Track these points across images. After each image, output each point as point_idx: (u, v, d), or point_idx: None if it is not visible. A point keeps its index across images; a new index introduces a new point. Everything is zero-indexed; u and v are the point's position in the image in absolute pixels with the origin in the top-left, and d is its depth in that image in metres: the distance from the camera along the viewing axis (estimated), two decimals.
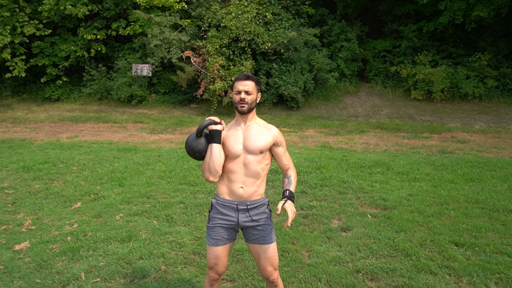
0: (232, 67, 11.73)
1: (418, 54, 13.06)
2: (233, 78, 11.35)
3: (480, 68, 12.34)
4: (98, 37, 13.28)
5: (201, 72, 11.96)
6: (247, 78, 2.22)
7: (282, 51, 12.17)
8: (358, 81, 14.12)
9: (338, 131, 10.11)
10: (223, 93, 11.63)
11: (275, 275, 2.30)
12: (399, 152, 7.79)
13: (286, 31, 12.18)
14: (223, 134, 2.26)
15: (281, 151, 2.35)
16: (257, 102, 2.29)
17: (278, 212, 2.15)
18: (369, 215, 4.32)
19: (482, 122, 10.82)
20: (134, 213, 4.38)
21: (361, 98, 13.19)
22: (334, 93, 13.26)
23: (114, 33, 13.39)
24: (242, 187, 2.22)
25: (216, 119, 2.19)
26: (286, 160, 2.38)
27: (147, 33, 12.39)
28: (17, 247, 3.57)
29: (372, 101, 12.85)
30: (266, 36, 11.89)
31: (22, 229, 4.02)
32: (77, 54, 13.28)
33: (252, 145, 2.22)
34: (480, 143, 8.75)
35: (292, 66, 12.45)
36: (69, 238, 3.75)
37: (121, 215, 4.34)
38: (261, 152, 2.24)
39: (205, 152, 2.18)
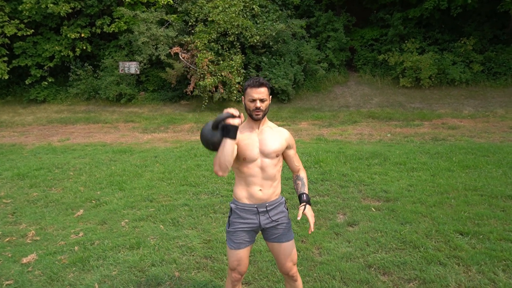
0: (221, 62, 11.63)
1: (405, 41, 13.16)
2: (223, 73, 11.27)
3: (466, 53, 12.52)
4: (83, 35, 12.98)
5: (190, 68, 11.83)
6: (261, 85, 2.19)
7: (271, 43, 12.11)
8: (347, 71, 14.18)
9: (331, 123, 10.17)
10: (214, 89, 11.55)
11: (294, 270, 2.38)
12: (394, 142, 7.90)
13: (274, 23, 12.11)
14: (238, 137, 2.23)
15: (293, 153, 2.41)
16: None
17: (299, 218, 2.21)
18: (373, 208, 4.39)
19: (470, 107, 11.03)
20: (139, 218, 4.35)
21: (351, 87, 13.27)
22: (324, 84, 13.30)
23: (98, 31, 13.11)
24: (261, 189, 2.26)
25: (235, 112, 2.06)
26: (297, 161, 2.44)
27: (133, 30, 12.16)
28: (24, 260, 3.51)
29: (362, 91, 12.94)
30: (254, 29, 11.80)
31: (27, 240, 3.95)
32: (62, 53, 12.97)
33: (268, 149, 2.25)
34: (470, 128, 8.93)
35: (282, 58, 12.41)
36: (76, 247, 3.71)
37: (126, 220, 4.31)
38: (277, 155, 2.28)
39: (219, 145, 2.10)
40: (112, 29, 12.76)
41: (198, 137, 9.12)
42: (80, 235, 4.01)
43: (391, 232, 3.78)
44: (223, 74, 11.27)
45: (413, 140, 7.99)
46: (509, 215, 4.04)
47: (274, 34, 11.86)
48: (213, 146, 2.10)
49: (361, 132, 9.00)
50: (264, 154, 2.24)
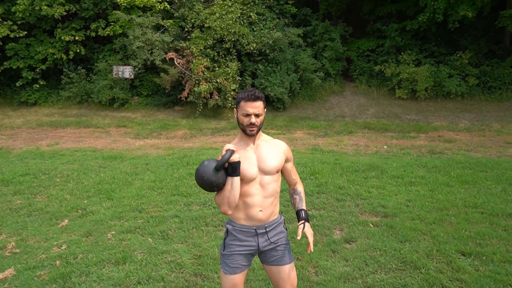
0: (217, 68, 11.49)
1: (402, 53, 13.16)
2: (218, 80, 11.12)
3: (461, 67, 12.53)
4: (77, 38, 12.77)
5: (185, 74, 11.67)
6: (257, 98, 2.01)
7: (267, 51, 12.01)
8: (343, 81, 14.13)
9: (326, 132, 10.05)
10: (209, 95, 11.39)
11: None
12: (390, 154, 7.78)
13: (271, 31, 12.02)
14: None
15: (290, 166, 2.25)
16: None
17: (299, 238, 2.05)
18: (371, 224, 4.23)
19: (466, 120, 10.99)
20: (126, 230, 4.14)
21: (347, 97, 13.20)
22: (320, 93, 13.22)
23: (93, 34, 12.90)
24: (261, 210, 2.09)
25: (233, 147, 1.98)
26: (294, 174, 2.29)
27: (128, 34, 11.99)
28: (1, 276, 3.29)
29: (357, 101, 12.87)
30: (251, 36, 11.71)
31: (5, 253, 3.72)
32: (55, 56, 12.72)
33: (268, 165, 2.09)
34: (466, 142, 8.86)
35: (278, 66, 12.32)
36: (58, 262, 3.49)
37: (113, 232, 4.09)
38: (277, 171, 2.12)
39: (223, 185, 2.01)
40: (107, 32, 12.58)
41: (191, 144, 8.92)
42: (63, 248, 3.78)
43: (390, 250, 3.62)
44: (218, 80, 11.12)
45: (409, 152, 7.88)
46: (511, 235, 3.90)
47: (270, 42, 11.77)
48: (218, 187, 2.00)
49: (357, 143, 8.88)
50: (264, 172, 2.08)
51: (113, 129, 10.86)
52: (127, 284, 3.12)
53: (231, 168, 1.97)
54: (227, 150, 1.96)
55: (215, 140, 9.43)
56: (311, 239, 2.08)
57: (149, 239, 3.92)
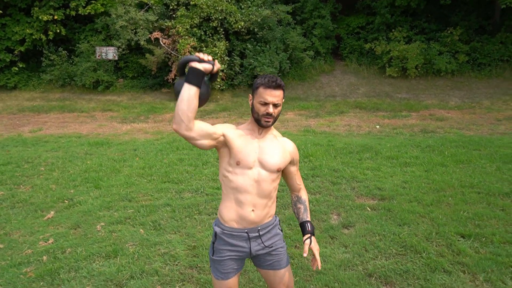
0: (204, 48, 11.12)
1: (392, 30, 12.94)
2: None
3: (452, 43, 12.41)
4: (56, 17, 12.16)
5: (172, 55, 11.29)
6: (278, 86, 1.78)
7: (256, 30, 11.66)
8: (333, 59, 13.90)
9: (317, 113, 9.90)
10: None
11: None
12: (383, 134, 7.70)
13: (259, 8, 11.63)
14: (234, 133, 1.87)
15: (295, 169, 2.04)
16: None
17: (305, 255, 1.85)
18: (368, 208, 4.15)
19: (457, 98, 10.96)
20: (116, 220, 3.97)
21: (337, 77, 13.02)
22: (310, 72, 12.99)
23: (73, 13, 12.30)
24: (253, 210, 1.88)
25: (206, 56, 1.71)
26: (299, 179, 2.08)
27: (111, 13, 11.47)
28: None
29: (348, 80, 12.71)
30: (239, 14, 11.31)
31: None
32: (34, 37, 12.15)
33: (269, 161, 1.88)
34: (458, 120, 8.83)
35: (267, 45, 11.99)
36: (45, 257, 3.31)
37: (102, 224, 3.92)
38: (278, 170, 1.92)
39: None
40: (88, 11, 12.02)
41: None
42: (49, 241, 3.60)
43: (389, 235, 3.55)
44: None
45: (402, 132, 7.81)
46: (509, 215, 3.87)
47: (259, 20, 11.40)
48: (177, 96, 1.73)
49: (349, 123, 8.77)
50: (262, 165, 1.87)
51: (99, 114, 10.51)
52: (119, 279, 2.98)
53: (191, 73, 1.66)
54: (194, 55, 1.71)
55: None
56: (317, 255, 1.88)
57: (141, 230, 3.77)
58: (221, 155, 1.91)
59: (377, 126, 8.39)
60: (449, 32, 12.46)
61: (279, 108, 1.83)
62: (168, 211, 4.17)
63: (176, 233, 3.69)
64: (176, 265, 3.16)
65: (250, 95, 1.88)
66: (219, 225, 1.95)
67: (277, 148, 1.91)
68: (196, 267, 3.12)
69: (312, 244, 1.90)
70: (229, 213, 1.90)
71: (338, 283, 2.87)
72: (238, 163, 1.85)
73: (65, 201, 4.54)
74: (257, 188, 1.87)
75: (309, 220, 2.00)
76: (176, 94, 1.73)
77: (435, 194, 4.43)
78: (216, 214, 4.09)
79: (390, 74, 12.33)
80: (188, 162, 5.81)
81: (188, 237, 3.60)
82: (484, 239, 3.44)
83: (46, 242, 3.60)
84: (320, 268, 1.86)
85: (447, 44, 12.40)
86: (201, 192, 4.69)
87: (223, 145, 1.87)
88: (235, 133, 1.88)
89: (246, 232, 1.90)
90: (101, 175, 5.34)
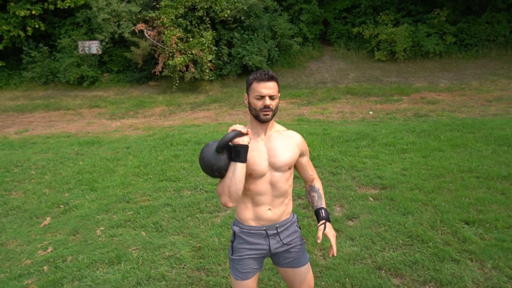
0: (191, 39, 10.90)
1: (380, 13, 12.87)
2: (193, 51, 10.57)
3: (439, 25, 12.42)
4: (33, 12, 11.71)
5: (158, 47, 11.03)
6: (270, 78, 1.76)
7: (242, 18, 11.46)
8: (321, 45, 13.80)
9: (309, 101, 9.84)
10: (184, 68, 10.85)
11: None
12: (377, 120, 7.69)
13: None
14: None
15: (306, 160, 2.00)
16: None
17: (319, 241, 1.83)
18: (370, 198, 4.13)
19: (446, 79, 11.01)
20: (116, 224, 3.87)
21: (326, 62, 12.94)
22: (299, 59, 12.88)
23: (51, 7, 11.87)
24: (270, 209, 1.87)
25: (242, 128, 1.69)
26: (311, 169, 2.05)
27: (91, 6, 11.10)
28: None
29: (337, 65, 12.64)
30: (225, 2, 11.08)
31: None
32: (11, 33, 11.70)
33: (279, 161, 1.83)
34: (449, 102, 8.87)
35: (254, 34, 11.82)
36: (45, 267, 3.21)
37: (102, 228, 3.82)
38: (289, 168, 1.88)
39: (226, 170, 1.74)
40: (67, 4, 11.61)
41: (172, 122, 8.54)
42: (49, 250, 3.49)
43: (394, 225, 3.54)
44: (193, 52, 10.57)
45: (395, 117, 7.82)
46: (509, 199, 3.90)
47: (245, 8, 11.20)
48: (219, 173, 1.72)
49: (342, 110, 8.74)
50: (275, 168, 1.83)
51: (86, 111, 10.25)
52: (125, 286, 2.90)
53: (235, 152, 1.70)
54: (232, 130, 1.69)
55: (196, 116, 9.06)
56: (333, 240, 1.85)
57: (142, 232, 3.68)
58: None
59: (370, 112, 8.38)
60: (436, 13, 12.45)
61: (276, 100, 1.79)
62: (168, 211, 4.08)
63: (179, 234, 3.62)
64: (183, 268, 3.10)
65: (245, 94, 1.85)
66: (237, 225, 1.93)
67: (285, 145, 1.87)
68: (204, 269, 3.06)
69: (326, 230, 1.86)
70: (246, 212, 1.89)
71: (349, 278, 2.85)
72: (251, 175, 1.83)
73: (61, 206, 4.40)
74: (273, 190, 1.86)
75: (324, 206, 1.97)
76: (215, 169, 1.71)
77: (436, 181, 4.44)
78: (218, 212, 4.05)
79: (379, 58, 12.32)
80: (184, 158, 5.70)
81: (192, 238, 3.53)
82: (488, 225, 3.45)
83: (45, 250, 3.49)
84: (336, 254, 1.85)
85: (435, 25, 12.40)
86: (200, 189, 4.61)
87: None
88: None
89: (265, 230, 1.89)
90: (95, 176, 5.20)
